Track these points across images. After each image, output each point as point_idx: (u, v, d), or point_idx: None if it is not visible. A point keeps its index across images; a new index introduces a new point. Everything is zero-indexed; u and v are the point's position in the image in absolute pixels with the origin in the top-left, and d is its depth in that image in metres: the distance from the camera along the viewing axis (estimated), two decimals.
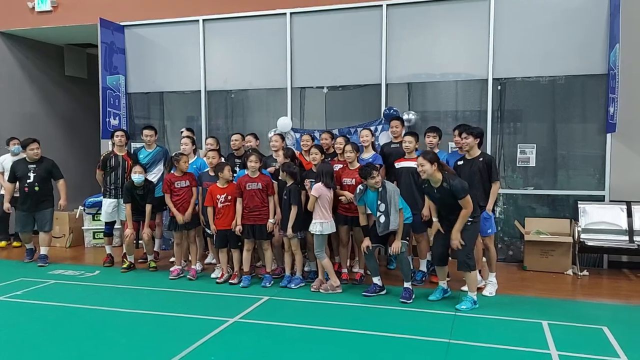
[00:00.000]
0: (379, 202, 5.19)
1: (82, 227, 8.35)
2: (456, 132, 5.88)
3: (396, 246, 5.26)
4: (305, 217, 5.69)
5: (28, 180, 6.88)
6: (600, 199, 6.69)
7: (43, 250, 7.04)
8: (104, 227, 7.17)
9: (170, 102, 8.60)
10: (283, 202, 5.76)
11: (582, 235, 6.29)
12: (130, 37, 8.54)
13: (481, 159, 5.42)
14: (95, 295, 5.56)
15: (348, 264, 6.21)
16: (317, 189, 5.54)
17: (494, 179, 5.37)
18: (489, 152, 6.66)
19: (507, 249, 7.00)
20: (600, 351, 3.98)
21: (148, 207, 6.47)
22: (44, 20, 8.90)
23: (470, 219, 5.01)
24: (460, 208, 4.93)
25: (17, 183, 7.03)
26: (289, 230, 5.66)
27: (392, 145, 6.31)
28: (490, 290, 5.47)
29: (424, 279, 5.91)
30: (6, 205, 7.11)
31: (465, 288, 5.52)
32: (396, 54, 7.32)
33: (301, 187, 5.75)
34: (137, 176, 6.39)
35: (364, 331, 4.40)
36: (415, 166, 5.37)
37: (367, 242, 5.41)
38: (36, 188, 6.89)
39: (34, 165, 6.93)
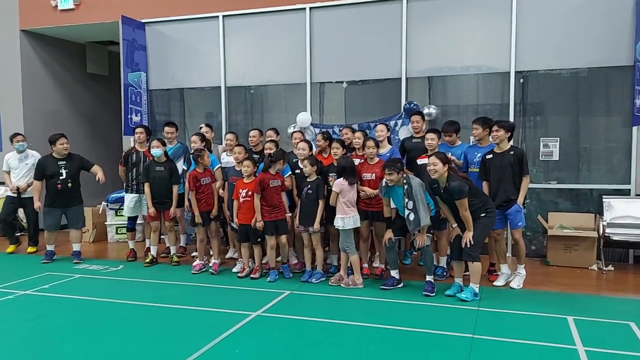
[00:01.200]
0: (405, 199, 5.17)
1: (105, 223, 8.47)
2: (474, 124, 5.84)
3: (421, 239, 5.25)
4: (326, 212, 5.70)
5: (61, 177, 6.81)
6: (625, 193, 6.57)
7: (76, 247, 7.06)
8: (126, 222, 7.27)
9: (190, 98, 8.67)
10: (307, 196, 5.76)
11: (607, 230, 6.19)
12: (151, 33, 8.62)
13: (512, 152, 5.38)
14: (119, 290, 5.64)
15: (368, 258, 6.20)
16: (338, 185, 5.55)
17: (524, 172, 5.33)
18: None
19: (530, 244, 6.92)
20: (627, 347, 3.92)
21: (175, 188, 6.51)
22: (67, 18, 9.03)
23: (483, 214, 5.03)
24: (473, 210, 4.98)
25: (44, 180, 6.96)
26: (317, 225, 5.68)
27: (414, 140, 6.28)
28: (518, 282, 5.45)
29: (444, 274, 5.87)
30: (37, 204, 7.00)
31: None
32: (416, 48, 7.27)
33: (325, 182, 5.78)
34: (155, 150, 6.45)
35: (387, 325, 4.39)
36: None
37: (389, 234, 5.41)
38: (69, 184, 6.86)
39: (64, 162, 6.89)
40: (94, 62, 10.80)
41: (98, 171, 7.01)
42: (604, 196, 6.51)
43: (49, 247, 7.07)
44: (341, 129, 6.95)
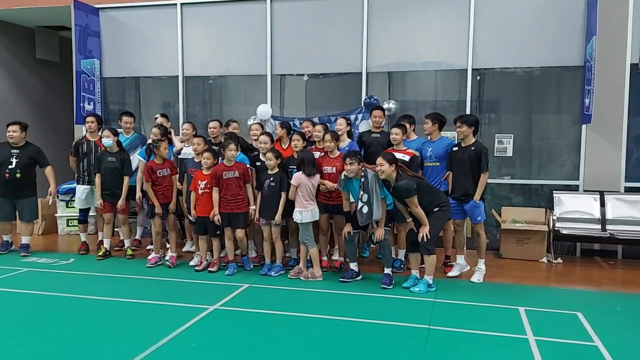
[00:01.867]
0: (361, 192, 5.21)
1: (56, 214, 8.16)
2: (426, 119, 5.96)
3: (379, 233, 5.30)
4: (286, 205, 5.68)
5: (10, 166, 6.50)
6: (574, 189, 6.83)
7: (25, 240, 6.77)
8: (78, 214, 7.03)
9: (146, 88, 8.44)
10: (269, 189, 5.71)
11: (557, 224, 6.43)
12: (105, 19, 8.32)
13: (472, 148, 5.48)
14: (70, 283, 5.45)
15: (327, 251, 6.22)
16: (297, 178, 5.53)
17: (482, 169, 5.44)
18: None
19: None
20: (575, 336, 4.08)
21: (126, 180, 6.34)
22: (15, 0, 8.60)
23: (436, 208, 5.15)
24: (425, 205, 5.08)
25: None
26: (278, 218, 5.65)
27: (373, 135, 6.31)
28: (478, 277, 5.57)
29: (402, 266, 5.95)
30: None
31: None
32: (377, 43, 7.31)
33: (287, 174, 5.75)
34: (106, 140, 6.27)
35: (344, 317, 4.42)
36: (402, 157, 5.45)
37: (348, 227, 5.44)
38: (17, 174, 6.52)
39: (17, 151, 6.56)
40: (44, 47, 10.36)
41: (50, 178, 6.72)
42: (554, 191, 6.76)
43: (5, 238, 6.81)
44: (301, 122, 6.92)
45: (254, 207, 5.80)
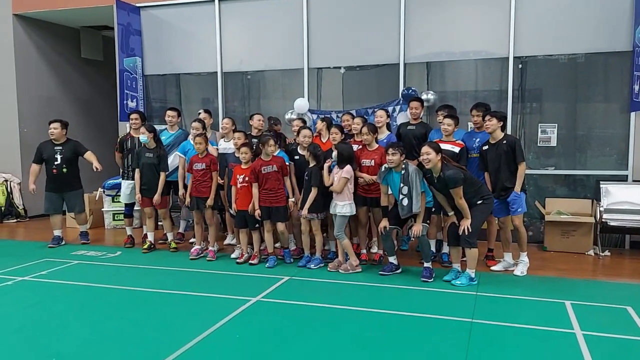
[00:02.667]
0: (401, 184, 5.17)
1: (102, 209, 8.44)
2: (474, 111, 5.83)
3: (417, 229, 5.25)
4: (325, 198, 5.70)
5: (55, 162, 6.84)
6: (622, 179, 6.60)
7: (83, 228, 7.23)
8: (123, 208, 7.25)
9: (186, 84, 8.60)
10: (306, 183, 5.75)
11: (604, 216, 6.22)
12: (147, 18, 8.51)
13: (505, 142, 5.38)
14: (118, 275, 5.63)
15: (366, 244, 6.22)
16: (349, 171, 5.54)
17: (519, 160, 5.33)
18: (509, 132, 6.57)
19: (527, 230, 6.87)
20: (625, 330, 3.96)
21: (162, 175, 6.49)
22: (60, 2, 8.92)
23: (479, 201, 5.07)
24: (468, 197, 5.01)
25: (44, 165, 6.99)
26: (304, 211, 5.68)
27: (409, 127, 6.25)
28: (521, 269, 5.46)
29: (434, 258, 5.83)
30: (32, 186, 7.01)
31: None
32: (415, 33, 7.22)
33: (321, 168, 5.75)
34: (142, 136, 6.44)
35: (386, 310, 4.41)
36: (452, 148, 5.39)
37: (384, 222, 5.41)
38: (64, 169, 6.87)
39: (60, 147, 6.89)
40: (89, 47, 10.68)
41: (92, 159, 6.95)
42: (601, 182, 6.53)
43: (56, 232, 7.11)
44: (339, 115, 6.93)
45: (293, 200, 5.84)
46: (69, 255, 6.51)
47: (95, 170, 6.90)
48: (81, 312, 4.51)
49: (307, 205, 5.67)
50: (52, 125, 6.91)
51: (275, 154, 5.88)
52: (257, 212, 5.78)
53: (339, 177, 5.56)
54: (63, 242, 7.15)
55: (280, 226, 5.82)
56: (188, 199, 6.33)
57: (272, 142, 5.75)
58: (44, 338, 3.95)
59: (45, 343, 3.86)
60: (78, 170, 7.08)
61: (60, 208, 7.11)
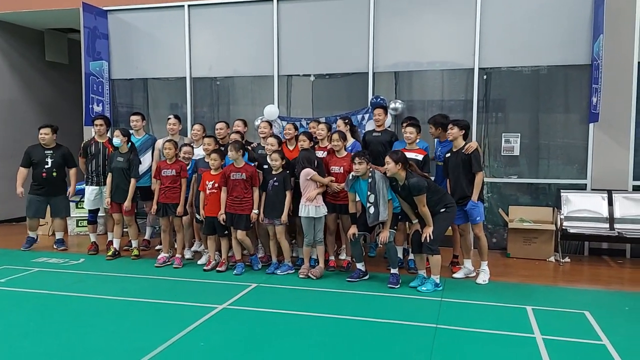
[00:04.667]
0: (368, 192, 5.23)
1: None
2: (430, 124, 5.95)
3: (384, 235, 5.31)
4: (292, 204, 5.73)
5: (46, 166, 6.87)
6: (582, 188, 6.82)
7: (59, 235, 7.15)
8: (87, 215, 7.10)
9: (154, 89, 8.50)
10: (272, 189, 5.75)
11: (565, 223, 6.42)
12: (114, 22, 8.39)
13: (463, 151, 5.50)
14: (80, 283, 5.51)
15: (335, 251, 6.24)
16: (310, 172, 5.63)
17: (475, 169, 5.44)
18: (474, 141, 6.69)
19: (491, 237, 7.09)
20: (582, 335, 4.08)
21: (132, 182, 6.41)
22: (25, 3, 8.69)
23: (442, 209, 5.19)
24: (432, 205, 5.13)
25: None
26: (284, 217, 5.70)
27: (374, 134, 6.33)
28: (483, 278, 5.53)
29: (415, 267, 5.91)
30: (20, 189, 6.96)
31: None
32: (383, 43, 7.33)
33: (292, 174, 5.79)
34: (116, 140, 6.39)
35: (352, 317, 4.44)
36: (415, 156, 5.48)
37: (353, 229, 5.46)
38: (54, 174, 6.92)
39: (51, 151, 6.93)
40: (53, 49, 10.44)
41: (72, 180, 7.11)
42: (561, 190, 6.75)
43: (31, 234, 7.09)
44: (308, 122, 6.97)
45: (256, 212, 5.82)
46: (30, 263, 6.33)
47: (67, 194, 7.10)
48: (42, 321, 4.39)
49: (285, 211, 5.70)
50: (42, 131, 6.97)
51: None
52: (223, 217, 5.75)
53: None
54: (37, 243, 7.18)
55: (240, 234, 5.78)
56: (155, 207, 6.23)
57: (237, 146, 5.74)
58: (3, 349, 3.83)
59: (4, 354, 3.74)
60: (65, 175, 7.13)
61: (44, 212, 7.10)
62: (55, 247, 7.04)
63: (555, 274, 6.02)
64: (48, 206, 7.16)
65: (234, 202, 5.75)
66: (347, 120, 6.18)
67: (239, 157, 5.75)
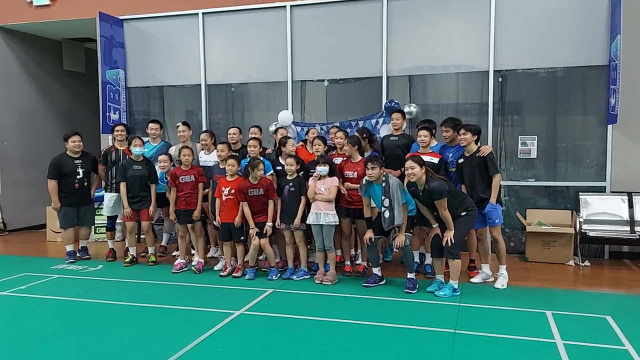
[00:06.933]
0: (383, 197, 5.21)
1: None
2: (443, 126, 5.92)
3: (400, 240, 5.28)
4: (308, 209, 5.74)
5: (78, 176, 6.74)
6: (601, 190, 6.72)
7: (83, 243, 7.07)
8: (106, 221, 7.18)
9: (170, 96, 8.58)
10: (289, 194, 5.77)
11: (584, 226, 6.33)
12: (130, 30, 8.50)
13: (478, 154, 5.46)
14: (99, 290, 5.56)
15: (350, 256, 6.23)
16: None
17: (492, 172, 5.40)
18: (490, 144, 6.64)
19: (509, 240, 7.02)
20: (604, 340, 4.01)
21: (153, 187, 6.46)
22: (43, 14, 8.85)
23: (463, 212, 5.14)
24: (452, 209, 5.09)
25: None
26: (297, 221, 5.70)
27: (392, 138, 6.31)
28: (501, 282, 5.47)
29: (433, 272, 5.87)
30: (58, 204, 6.72)
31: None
32: (397, 47, 7.32)
33: (306, 179, 5.79)
34: (136, 149, 6.40)
35: (369, 322, 4.43)
36: (430, 160, 5.45)
37: (369, 233, 5.44)
38: (85, 183, 6.83)
39: (80, 160, 6.79)
40: (71, 59, 10.61)
41: (93, 186, 7.03)
42: (580, 193, 6.65)
43: (70, 248, 6.89)
44: (322, 127, 6.99)
45: (270, 224, 5.82)
46: (49, 270, 6.41)
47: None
48: (61, 327, 4.44)
49: (299, 215, 5.70)
50: (75, 139, 6.75)
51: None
52: (255, 230, 5.78)
53: (329, 186, 5.59)
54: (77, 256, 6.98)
55: (263, 241, 5.80)
56: (173, 215, 6.24)
57: (261, 166, 5.76)
58: (23, 354, 3.88)
59: (24, 359, 3.79)
60: (91, 184, 7.05)
61: (75, 222, 6.92)
62: (79, 254, 6.98)
63: (575, 278, 5.94)
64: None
65: (252, 215, 5.80)
66: (364, 134, 6.05)
67: (261, 174, 5.79)
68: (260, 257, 6.34)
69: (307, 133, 6.62)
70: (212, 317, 4.55)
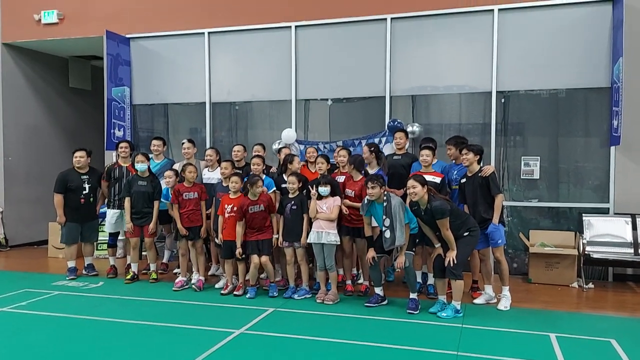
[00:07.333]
0: (384, 216, 5.20)
1: None
2: (448, 144, 5.95)
3: (400, 260, 5.25)
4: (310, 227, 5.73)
5: (84, 192, 6.73)
6: (604, 212, 6.69)
7: (89, 260, 7.03)
8: (107, 238, 7.17)
9: (174, 114, 8.65)
10: (291, 212, 5.76)
11: (587, 248, 6.28)
12: (136, 49, 8.60)
13: (480, 174, 5.46)
14: (99, 307, 5.53)
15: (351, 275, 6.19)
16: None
17: (494, 192, 5.40)
18: (493, 164, 6.66)
19: (512, 262, 6.98)
20: None
21: (156, 204, 6.46)
22: (50, 32, 8.97)
23: (466, 233, 5.12)
24: (454, 229, 5.07)
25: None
26: (303, 240, 5.70)
27: (395, 157, 6.32)
28: (505, 304, 5.43)
29: (436, 292, 5.83)
30: (63, 219, 6.71)
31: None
32: (400, 67, 7.37)
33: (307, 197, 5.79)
34: (140, 165, 6.42)
35: (371, 343, 4.38)
36: (432, 179, 5.44)
37: (371, 252, 5.42)
38: (91, 199, 6.83)
39: (87, 176, 6.79)
40: (77, 76, 10.72)
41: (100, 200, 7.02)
42: (583, 214, 6.63)
43: (71, 264, 6.86)
44: (326, 145, 7.02)
45: (277, 236, 5.84)
46: (50, 286, 6.39)
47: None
48: (61, 345, 4.41)
49: (304, 234, 5.70)
50: (78, 154, 6.77)
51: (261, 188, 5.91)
52: (239, 251, 5.77)
53: (331, 206, 5.58)
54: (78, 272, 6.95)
55: (265, 259, 5.79)
56: (184, 230, 6.19)
57: (260, 183, 5.77)
58: None
59: None
60: (97, 200, 7.03)
61: (78, 239, 6.92)
62: (85, 272, 6.92)
63: (579, 300, 5.88)
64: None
65: (254, 231, 5.79)
66: (372, 148, 6.10)
67: (260, 191, 5.80)
68: (262, 276, 6.31)
69: (306, 152, 6.62)
70: (213, 336, 4.52)
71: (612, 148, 6.64)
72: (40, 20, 8.93)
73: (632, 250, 6.31)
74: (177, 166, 6.86)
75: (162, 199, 6.48)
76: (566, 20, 6.80)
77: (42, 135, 9.84)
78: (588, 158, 6.88)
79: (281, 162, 6.43)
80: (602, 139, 6.76)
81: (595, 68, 6.70)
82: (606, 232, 6.46)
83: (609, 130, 6.64)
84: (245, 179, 5.97)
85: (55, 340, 4.52)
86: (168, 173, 6.39)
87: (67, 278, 6.75)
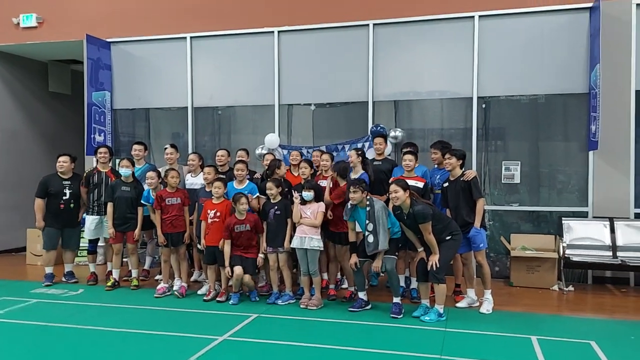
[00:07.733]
0: (367, 221, 5.22)
1: None
2: (432, 149, 6.00)
3: (376, 265, 5.28)
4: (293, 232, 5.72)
5: (64, 197, 6.64)
6: (583, 215, 6.80)
7: (69, 267, 6.91)
8: (87, 244, 7.06)
9: (156, 119, 8.58)
10: (275, 217, 5.75)
11: (567, 251, 6.38)
12: (117, 53, 8.52)
13: (462, 178, 5.51)
14: (79, 314, 5.44)
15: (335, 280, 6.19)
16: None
17: (476, 196, 5.46)
18: (474, 169, 6.73)
19: (494, 265, 7.04)
20: None
21: (140, 210, 6.39)
22: (29, 36, 8.84)
23: (448, 237, 5.16)
24: (437, 233, 5.11)
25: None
26: (287, 244, 5.69)
27: (375, 163, 6.32)
28: (487, 307, 5.47)
29: (419, 296, 5.85)
30: (42, 223, 6.68)
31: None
32: (383, 72, 7.42)
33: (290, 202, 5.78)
34: (124, 170, 6.35)
35: (354, 348, 4.38)
36: (415, 184, 5.47)
37: (354, 258, 5.42)
38: (72, 205, 6.71)
39: (69, 182, 6.70)
40: (57, 80, 10.57)
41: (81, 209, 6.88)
42: (563, 218, 6.72)
43: (49, 270, 6.77)
44: (309, 150, 7.01)
45: (262, 256, 5.82)
46: (28, 294, 6.26)
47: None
48: (40, 353, 4.33)
49: (287, 238, 5.69)
50: (61, 159, 6.73)
51: (245, 188, 5.90)
52: (227, 271, 5.73)
53: (315, 211, 5.58)
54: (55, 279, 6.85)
55: (246, 277, 5.74)
56: (163, 239, 6.14)
57: (243, 200, 5.72)
58: None
59: None
60: (79, 207, 6.89)
61: (57, 244, 6.82)
62: (65, 279, 6.81)
63: (560, 303, 5.96)
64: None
65: (240, 249, 5.77)
66: (359, 152, 6.08)
67: (247, 207, 5.76)
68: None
69: (290, 156, 6.62)
70: (195, 343, 4.47)
71: (591, 153, 6.76)
72: (19, 23, 8.79)
73: (610, 253, 6.42)
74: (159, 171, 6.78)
75: (142, 200, 6.37)
76: (545, 27, 6.92)
77: (21, 140, 9.67)
78: (567, 163, 7.00)
79: (267, 168, 6.40)
80: (581, 144, 6.88)
81: (573, 74, 6.83)
82: (585, 236, 6.57)
83: (587, 135, 6.76)
84: (232, 185, 5.95)
85: (35, 349, 4.44)
86: (150, 174, 6.31)
87: (43, 285, 6.63)
